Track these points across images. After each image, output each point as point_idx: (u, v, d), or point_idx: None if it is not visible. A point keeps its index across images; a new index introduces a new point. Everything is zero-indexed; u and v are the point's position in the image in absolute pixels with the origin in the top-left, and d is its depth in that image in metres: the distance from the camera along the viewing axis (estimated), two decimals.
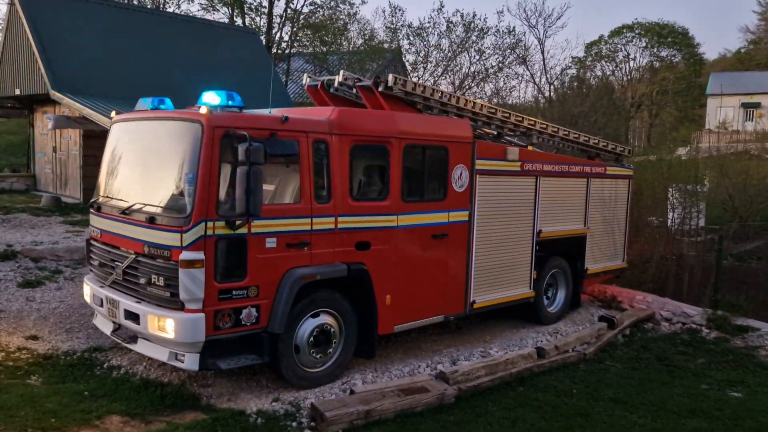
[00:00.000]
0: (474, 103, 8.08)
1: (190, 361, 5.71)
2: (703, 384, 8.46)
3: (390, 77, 6.96)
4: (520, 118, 8.77)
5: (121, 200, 6.29)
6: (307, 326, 6.37)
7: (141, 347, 6.12)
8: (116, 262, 6.28)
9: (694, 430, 6.91)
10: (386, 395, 6.40)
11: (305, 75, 8.17)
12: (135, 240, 5.99)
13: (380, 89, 7.06)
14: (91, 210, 6.88)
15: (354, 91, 7.46)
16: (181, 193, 5.72)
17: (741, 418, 7.21)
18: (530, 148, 8.94)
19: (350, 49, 26.10)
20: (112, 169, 6.79)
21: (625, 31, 59.27)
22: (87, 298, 6.88)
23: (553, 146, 9.63)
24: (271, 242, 6.00)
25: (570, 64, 41.55)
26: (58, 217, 13.63)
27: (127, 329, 6.24)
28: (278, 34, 27.63)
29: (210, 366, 5.77)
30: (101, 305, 6.48)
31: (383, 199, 6.88)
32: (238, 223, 5.66)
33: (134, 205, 6.02)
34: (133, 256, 6.00)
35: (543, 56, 34.87)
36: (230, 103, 5.89)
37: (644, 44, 58.26)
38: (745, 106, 53.75)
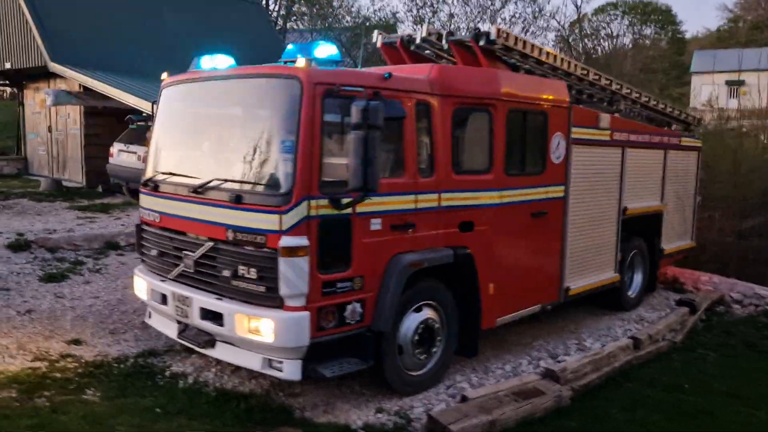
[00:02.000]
0: (569, 62, 7.14)
1: (291, 370, 4.72)
2: None
3: (493, 29, 5.97)
4: (609, 81, 7.86)
5: (189, 177, 5.22)
6: (411, 322, 5.41)
7: (221, 353, 5.11)
8: (184, 251, 5.23)
9: None
10: (503, 401, 5.50)
11: (375, 32, 7.13)
12: (213, 224, 4.95)
13: (481, 44, 6.06)
14: (143, 189, 5.81)
15: (446, 46, 6.44)
16: (276, 166, 4.70)
17: None
18: (616, 115, 8.05)
19: (353, 22, 24.85)
20: (170, 140, 5.72)
21: (609, 8, 58.69)
22: (141, 293, 5.83)
23: (632, 114, 8.75)
24: (376, 224, 5.02)
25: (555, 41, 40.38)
26: (62, 202, 12.40)
27: (200, 331, 5.22)
28: (275, 8, 26.30)
29: (312, 374, 4.79)
30: (163, 302, 5.45)
31: (486, 172, 5.93)
32: (345, 201, 4.66)
33: (211, 182, 4.97)
34: (211, 244, 4.97)
35: (579, 22, 32.24)
36: (322, 57, 4.86)
37: (627, 22, 57.79)
38: (729, 83, 53.61)
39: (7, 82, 17.29)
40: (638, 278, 9.00)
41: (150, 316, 6.00)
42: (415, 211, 5.28)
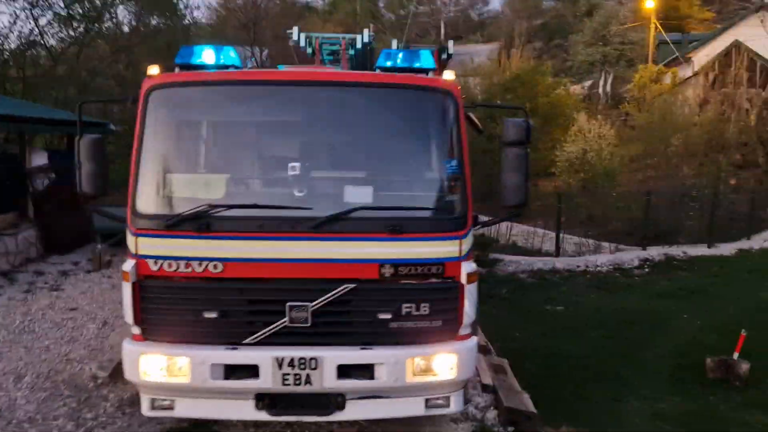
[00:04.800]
0: None
1: (458, 401, 4.42)
2: (546, 306, 10.66)
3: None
4: None
5: (292, 208, 4.07)
6: None
7: (356, 412, 4.26)
8: (291, 302, 4.08)
9: (603, 337, 8.96)
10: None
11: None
12: (354, 262, 4.07)
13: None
14: (155, 231, 4.09)
15: None
16: (444, 187, 4.24)
17: (605, 322, 9.61)
18: None
19: None
20: (225, 160, 4.20)
21: None
22: (156, 376, 4.14)
23: None
24: None
25: None
26: None
27: (314, 396, 4.20)
28: None
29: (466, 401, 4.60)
30: (236, 377, 4.11)
31: None
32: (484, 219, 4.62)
33: (354, 211, 4.04)
34: (350, 286, 4.09)
35: None
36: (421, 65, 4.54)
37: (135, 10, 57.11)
38: None
39: None
40: None
41: (157, 406, 4.29)
42: None
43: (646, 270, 13.16)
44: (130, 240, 4.19)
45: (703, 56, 29.52)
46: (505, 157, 4.43)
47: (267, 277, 4.13)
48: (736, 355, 6.95)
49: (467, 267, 4.24)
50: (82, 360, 5.58)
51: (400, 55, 4.45)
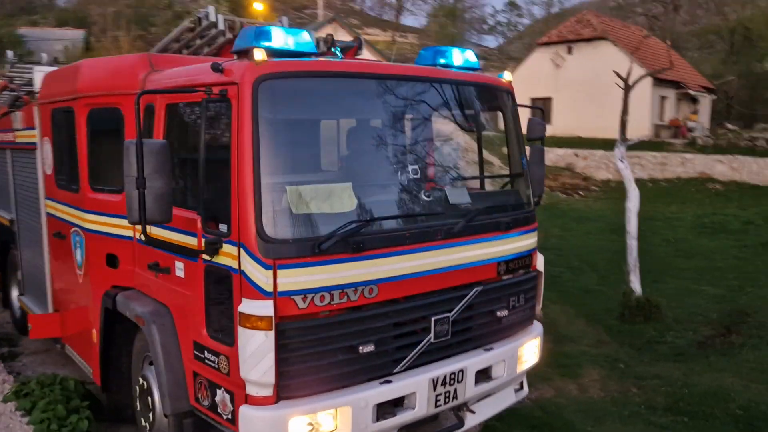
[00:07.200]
0: None
1: (526, 383, 4.69)
2: None
3: None
4: None
5: (427, 215, 3.71)
6: None
7: (480, 415, 4.16)
8: (436, 316, 3.74)
9: None
10: None
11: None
12: (481, 264, 3.96)
13: None
14: (326, 257, 3.22)
15: None
16: (522, 182, 4.37)
17: None
18: None
19: None
20: (363, 165, 3.48)
21: None
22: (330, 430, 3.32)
23: None
24: None
25: None
26: None
27: (448, 412, 3.95)
28: None
29: None
30: (388, 414, 3.60)
31: None
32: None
33: (481, 210, 3.89)
34: (479, 288, 3.96)
35: None
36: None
37: None
38: None
39: None
40: None
41: None
42: None
43: None
44: (260, 275, 3.18)
45: None
46: (531, 153, 4.86)
47: (413, 294, 3.70)
48: None
49: (540, 256, 4.57)
50: None
51: (462, 54, 4.36)
